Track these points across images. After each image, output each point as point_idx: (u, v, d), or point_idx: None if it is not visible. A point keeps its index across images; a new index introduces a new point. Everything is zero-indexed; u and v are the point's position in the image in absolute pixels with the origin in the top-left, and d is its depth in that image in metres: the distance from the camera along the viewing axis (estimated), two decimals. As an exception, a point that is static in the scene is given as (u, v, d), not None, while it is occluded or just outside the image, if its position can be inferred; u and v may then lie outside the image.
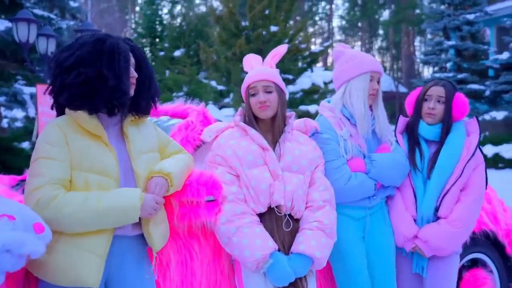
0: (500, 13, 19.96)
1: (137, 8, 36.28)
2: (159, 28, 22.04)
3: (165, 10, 30.99)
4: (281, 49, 2.73)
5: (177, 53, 15.35)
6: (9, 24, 8.69)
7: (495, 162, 15.18)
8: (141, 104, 2.26)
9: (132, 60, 2.18)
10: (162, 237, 2.24)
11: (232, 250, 2.35)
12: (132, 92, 2.18)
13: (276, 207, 2.41)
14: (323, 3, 38.69)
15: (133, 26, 25.18)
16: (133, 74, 2.16)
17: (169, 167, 2.22)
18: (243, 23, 13.48)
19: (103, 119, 2.17)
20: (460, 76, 17.95)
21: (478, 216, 2.83)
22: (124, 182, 2.15)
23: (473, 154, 2.75)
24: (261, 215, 2.42)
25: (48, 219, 1.92)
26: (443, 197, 2.74)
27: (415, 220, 2.77)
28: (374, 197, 2.73)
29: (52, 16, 9.95)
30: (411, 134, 2.88)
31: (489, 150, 15.49)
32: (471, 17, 18.75)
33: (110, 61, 2.07)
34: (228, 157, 2.46)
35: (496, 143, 15.68)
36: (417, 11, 30.71)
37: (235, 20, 13.66)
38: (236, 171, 2.45)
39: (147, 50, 22.04)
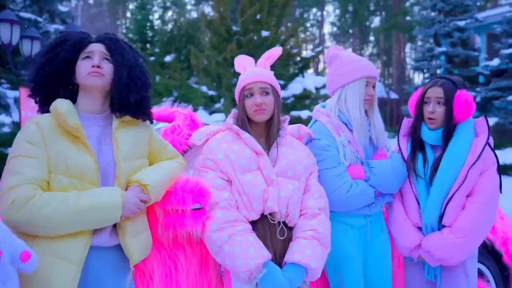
0: (490, 20, 20.10)
1: (128, 14, 36.18)
2: (150, 34, 21.97)
3: (156, 16, 30.91)
4: (276, 51, 2.62)
5: (167, 58, 15.24)
6: None
7: (486, 168, 15.09)
8: (115, 97, 2.10)
9: (97, 49, 2.09)
10: (141, 248, 2.12)
11: (223, 260, 2.23)
12: (98, 81, 2.06)
13: (270, 214, 2.29)
14: (314, 10, 38.79)
15: (124, 31, 25.09)
16: (94, 62, 2.05)
17: (148, 178, 2.10)
18: (234, 28, 13.40)
19: (86, 118, 2.08)
20: (451, 82, 17.96)
21: (490, 223, 2.58)
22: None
23: (479, 156, 2.51)
24: (253, 223, 2.30)
25: (23, 221, 1.83)
26: (446, 204, 2.53)
27: (420, 228, 2.63)
28: (374, 204, 2.64)
29: (39, 19, 9.80)
30: (414, 138, 2.72)
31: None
32: (461, 23, 18.85)
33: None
34: (220, 161, 2.34)
35: (487, 149, 15.64)
36: (408, 18, 30.86)
37: (226, 24, 13.57)
38: (228, 176, 2.33)
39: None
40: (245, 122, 2.41)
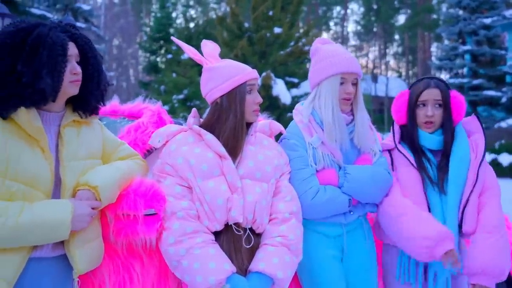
0: (519, 17, 19.49)
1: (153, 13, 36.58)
2: (170, 32, 22.08)
3: (177, 14, 31.07)
4: (214, 46, 2.35)
5: (184, 56, 15.22)
6: None
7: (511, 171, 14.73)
8: (91, 103, 2.00)
9: (73, 51, 1.90)
10: (89, 258, 1.94)
11: (182, 276, 2.02)
12: (76, 90, 1.92)
13: (235, 224, 2.07)
14: (337, 8, 38.38)
15: (146, 30, 25.35)
16: (75, 69, 1.88)
17: (97, 178, 1.91)
18: (246, 25, 13.20)
19: (46, 118, 1.90)
20: (475, 82, 17.56)
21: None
22: (54, 194, 1.86)
23: (483, 155, 2.39)
24: (217, 233, 2.09)
25: None
26: (463, 210, 2.33)
27: None
28: (351, 213, 2.40)
29: (49, 15, 9.87)
30: (412, 145, 2.49)
31: (505, 159, 15.06)
32: (488, 21, 18.35)
33: (30, 54, 1.78)
34: (179, 166, 2.12)
35: (513, 151, 15.22)
36: (434, 15, 30.30)
37: (238, 21, 13.38)
38: (188, 182, 2.11)
39: (159, 53, 22.11)
40: (242, 121, 2.17)
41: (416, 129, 2.46)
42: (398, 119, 2.54)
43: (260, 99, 2.22)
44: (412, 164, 2.44)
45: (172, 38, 2.45)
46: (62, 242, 1.86)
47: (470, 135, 2.48)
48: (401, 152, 2.48)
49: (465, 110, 2.47)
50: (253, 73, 2.23)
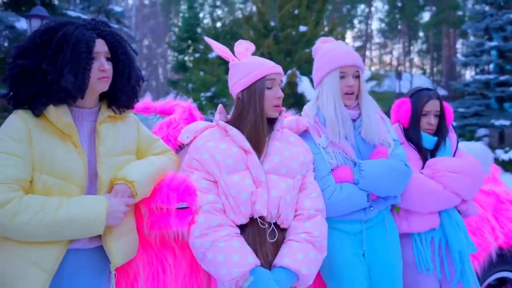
0: (548, 12, 19.04)
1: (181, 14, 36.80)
2: (198, 31, 22.25)
3: (204, 14, 31.26)
4: (249, 45, 2.38)
5: (212, 55, 15.33)
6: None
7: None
8: (121, 99, 2.03)
9: (102, 48, 1.92)
10: (124, 251, 1.99)
11: (208, 267, 2.07)
12: (105, 87, 1.94)
13: (260, 217, 2.11)
14: (362, 6, 38.05)
15: (175, 30, 25.58)
16: (103, 65, 1.90)
17: (134, 173, 1.96)
18: (272, 23, 13.22)
19: (78, 114, 1.94)
20: (502, 78, 17.19)
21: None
22: (89, 189, 1.91)
23: (456, 148, 2.79)
24: (243, 227, 2.13)
25: None
26: None
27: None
28: (372, 208, 2.39)
29: (83, 16, 10.10)
30: (417, 145, 2.73)
31: (532, 155, 14.73)
32: (515, 16, 17.94)
33: (55, 53, 1.82)
34: (205, 161, 2.17)
35: (539, 149, 14.89)
36: (459, 12, 29.84)
37: (264, 20, 13.43)
38: (214, 177, 2.16)
39: (187, 52, 22.29)
40: (263, 116, 2.19)
41: (420, 133, 2.71)
42: (395, 121, 2.82)
43: (280, 94, 2.21)
44: (421, 159, 2.71)
45: (205, 38, 2.46)
46: (99, 235, 1.90)
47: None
48: (412, 147, 2.71)
49: (452, 117, 2.82)
50: (273, 68, 2.22)
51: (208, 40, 2.40)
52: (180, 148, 2.48)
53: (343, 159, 2.38)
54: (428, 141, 2.72)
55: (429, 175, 2.60)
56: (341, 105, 2.39)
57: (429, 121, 2.70)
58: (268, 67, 2.21)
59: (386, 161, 2.39)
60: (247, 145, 2.16)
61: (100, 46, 1.91)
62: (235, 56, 2.33)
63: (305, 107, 2.58)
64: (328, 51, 2.44)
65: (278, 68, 2.25)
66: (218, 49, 2.35)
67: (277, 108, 2.22)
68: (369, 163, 2.36)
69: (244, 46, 2.35)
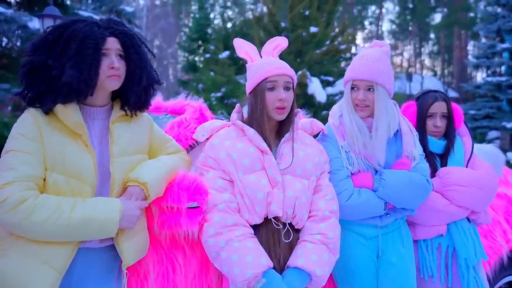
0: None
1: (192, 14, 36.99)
2: (209, 32, 22.29)
3: (214, 15, 31.30)
4: (282, 41, 2.35)
5: (222, 55, 15.33)
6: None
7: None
8: (130, 99, 2.02)
9: (114, 46, 1.91)
10: (136, 250, 2.00)
11: (221, 266, 2.07)
12: (115, 85, 1.94)
13: (274, 218, 2.11)
14: (373, 7, 37.95)
15: (185, 30, 25.65)
16: (113, 63, 1.89)
17: (147, 174, 1.96)
18: (282, 24, 13.20)
19: (89, 112, 1.94)
20: (514, 80, 17.06)
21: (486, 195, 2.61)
22: (100, 188, 1.91)
23: (471, 154, 2.70)
24: (256, 227, 2.12)
25: (11, 223, 1.71)
26: None
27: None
28: (388, 215, 2.39)
29: (95, 16, 10.17)
30: (425, 151, 2.64)
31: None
32: (528, 18, 17.80)
33: (62, 48, 1.82)
34: (222, 160, 2.17)
35: (552, 152, 14.76)
36: (471, 14, 29.64)
37: (274, 21, 13.40)
38: (230, 176, 2.15)
39: (198, 53, 22.35)
40: (263, 117, 2.18)
41: (426, 136, 2.66)
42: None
43: (282, 96, 2.16)
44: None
45: (235, 40, 2.37)
46: None
47: (461, 137, 2.77)
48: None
49: (462, 119, 2.75)
50: (275, 70, 2.17)
51: (237, 41, 2.36)
52: (190, 147, 2.49)
53: (365, 166, 2.38)
54: (436, 145, 2.68)
55: (437, 185, 2.56)
56: (355, 115, 2.40)
57: (435, 123, 2.66)
58: (269, 69, 2.18)
59: (409, 173, 2.37)
60: (264, 145, 2.15)
61: (112, 44, 1.90)
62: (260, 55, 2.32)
63: (334, 106, 2.60)
64: (356, 58, 2.45)
65: (282, 70, 2.19)
66: (243, 51, 2.32)
67: (279, 110, 2.18)
68: (392, 173, 2.35)
69: (273, 45, 2.32)
